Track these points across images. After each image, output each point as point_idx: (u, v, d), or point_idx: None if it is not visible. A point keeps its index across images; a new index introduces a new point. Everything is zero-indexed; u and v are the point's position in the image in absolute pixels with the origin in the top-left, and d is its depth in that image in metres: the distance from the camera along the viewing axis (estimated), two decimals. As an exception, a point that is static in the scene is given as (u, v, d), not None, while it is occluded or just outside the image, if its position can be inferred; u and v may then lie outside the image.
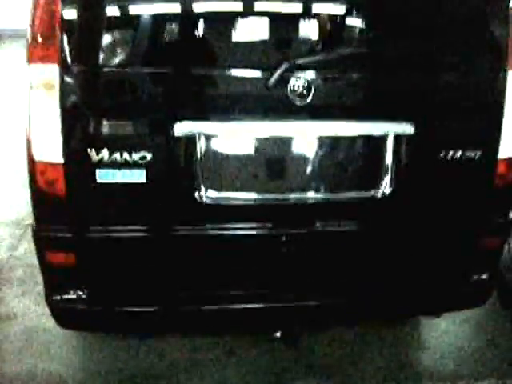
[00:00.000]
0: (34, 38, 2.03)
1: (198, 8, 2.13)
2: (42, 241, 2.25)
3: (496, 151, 2.37)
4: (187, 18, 2.16)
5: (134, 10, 2.12)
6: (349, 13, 2.27)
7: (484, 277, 2.59)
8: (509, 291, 3.38)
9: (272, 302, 2.39)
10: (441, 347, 3.08)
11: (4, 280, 3.49)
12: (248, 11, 2.18)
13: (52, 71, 2.03)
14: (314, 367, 2.82)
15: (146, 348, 2.89)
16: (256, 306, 2.38)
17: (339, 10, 2.28)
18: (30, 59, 2.03)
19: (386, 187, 2.32)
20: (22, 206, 4.49)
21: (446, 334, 3.18)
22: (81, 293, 2.28)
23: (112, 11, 2.11)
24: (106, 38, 2.12)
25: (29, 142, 2.12)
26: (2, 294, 3.34)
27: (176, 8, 2.15)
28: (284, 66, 2.09)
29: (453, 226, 2.45)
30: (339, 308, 2.49)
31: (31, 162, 2.13)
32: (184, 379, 2.72)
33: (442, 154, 2.31)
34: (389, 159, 2.30)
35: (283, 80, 2.11)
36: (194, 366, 2.79)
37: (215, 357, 2.85)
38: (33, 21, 2.03)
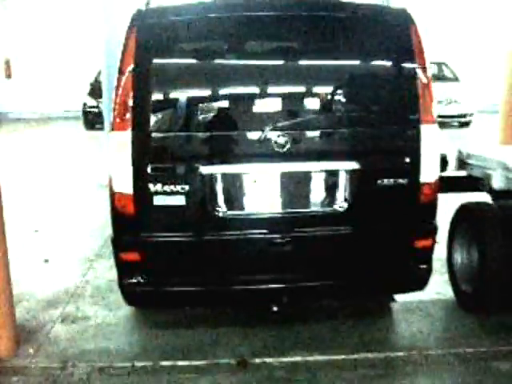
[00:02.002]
0: (115, 116, 3.31)
1: (214, 98, 3.46)
2: (118, 245, 3.47)
3: (418, 178, 3.53)
4: (212, 102, 3.47)
5: (170, 100, 3.45)
6: (310, 95, 3.56)
7: (422, 267, 3.69)
8: (465, 297, 4.40)
9: (270, 283, 3.53)
10: (400, 327, 4.14)
11: (79, 295, 4.68)
12: (248, 100, 3.48)
13: (126, 136, 3.31)
14: (300, 339, 3.90)
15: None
16: (260, 286, 3.53)
17: (305, 94, 3.58)
18: (114, 128, 3.31)
19: (342, 204, 3.49)
20: (87, 249, 5.76)
21: (404, 320, 4.23)
22: (142, 279, 3.47)
23: (158, 99, 3.42)
24: (156, 116, 3.41)
25: (111, 180, 3.37)
26: (79, 304, 4.52)
27: (199, 97, 3.46)
28: (268, 129, 3.33)
29: (393, 231, 3.59)
30: (316, 289, 3.62)
31: (112, 192, 3.38)
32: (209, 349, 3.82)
33: (379, 181, 3.48)
34: (342, 185, 3.48)
35: (269, 137, 3.35)
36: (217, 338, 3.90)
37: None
38: (114, 108, 3.32)
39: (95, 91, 14.59)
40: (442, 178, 4.90)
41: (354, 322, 4.18)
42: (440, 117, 14.92)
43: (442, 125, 14.59)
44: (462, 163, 5.18)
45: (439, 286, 4.71)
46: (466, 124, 15.02)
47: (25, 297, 4.58)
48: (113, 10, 8.03)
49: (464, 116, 14.95)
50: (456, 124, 15.05)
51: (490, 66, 17.16)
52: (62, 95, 17.54)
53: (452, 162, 5.13)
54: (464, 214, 4.49)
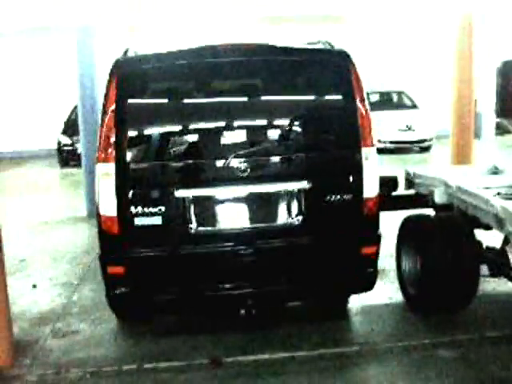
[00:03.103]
0: (100, 150, 3.87)
1: (184, 131, 4.08)
2: (105, 260, 3.99)
3: (361, 194, 4.14)
4: (183, 136, 4.06)
5: (146, 135, 4.04)
6: (268, 127, 4.20)
7: (369, 271, 4.27)
8: (411, 299, 4.99)
9: (238, 289, 4.08)
10: (356, 327, 4.72)
11: (67, 314, 5.15)
12: (212, 133, 4.10)
13: (110, 167, 3.86)
14: (268, 340, 4.43)
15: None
16: (230, 292, 4.08)
17: (263, 126, 4.21)
18: (99, 160, 3.86)
19: (297, 218, 4.08)
20: (71, 274, 6.24)
21: (360, 321, 4.81)
22: (126, 290, 3.98)
23: (136, 134, 4.00)
24: (135, 148, 3.98)
25: (97, 205, 3.91)
26: (67, 321, 4.99)
27: (171, 131, 4.06)
28: (231, 157, 3.92)
29: (343, 240, 4.18)
30: (278, 293, 4.18)
31: (98, 215, 3.91)
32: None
33: (328, 197, 4.08)
34: (297, 202, 4.07)
35: (232, 164, 3.94)
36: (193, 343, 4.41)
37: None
38: (99, 142, 3.88)
39: (69, 129, 15.06)
40: (394, 197, 5.58)
41: (316, 324, 4.73)
42: (400, 143, 15.68)
43: (403, 150, 15.33)
44: (409, 183, 5.84)
45: (391, 293, 5.31)
46: (426, 149, 15.78)
47: (17, 317, 5.01)
48: (86, 53, 8.51)
49: (423, 141, 15.73)
50: (417, 149, 15.85)
51: (447, 92, 18.12)
52: (35, 134, 17.97)
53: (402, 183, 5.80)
54: (407, 226, 5.12)
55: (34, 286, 5.88)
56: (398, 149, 15.43)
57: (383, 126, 15.52)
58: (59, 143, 15.28)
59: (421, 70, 18.59)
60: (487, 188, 5.17)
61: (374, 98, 17.37)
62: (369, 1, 15.28)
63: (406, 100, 17.18)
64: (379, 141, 15.52)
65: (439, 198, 5.20)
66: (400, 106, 17.09)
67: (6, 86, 18.07)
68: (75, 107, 12.14)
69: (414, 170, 5.82)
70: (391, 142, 15.52)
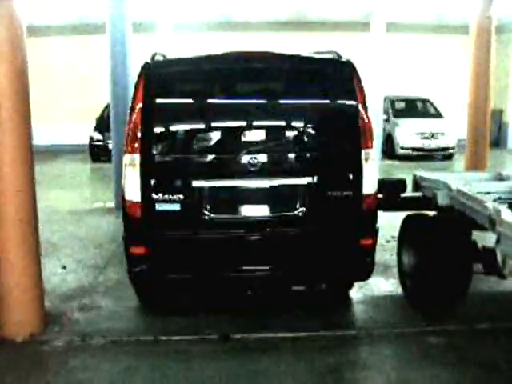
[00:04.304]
0: (127, 143, 4.36)
1: (201, 129, 4.56)
2: (128, 241, 4.48)
3: (361, 191, 4.55)
4: (201, 133, 4.54)
5: (169, 131, 4.52)
6: (279, 128, 4.67)
7: (366, 260, 4.68)
8: (408, 291, 5.37)
9: (246, 272, 4.53)
10: (355, 314, 5.13)
11: (93, 292, 5.66)
12: (228, 131, 4.57)
13: (135, 158, 4.35)
14: (273, 321, 4.87)
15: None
16: (239, 274, 4.53)
17: (274, 127, 4.66)
18: (126, 152, 4.36)
19: (302, 209, 4.51)
20: (98, 258, 6.76)
21: (359, 309, 5.21)
22: (146, 268, 4.46)
23: (160, 130, 4.47)
24: (158, 142, 4.46)
25: (123, 191, 4.40)
26: (93, 298, 5.49)
27: (191, 128, 4.54)
28: (243, 153, 4.38)
29: (343, 232, 4.60)
30: (284, 276, 4.62)
31: (124, 200, 4.41)
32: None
33: (330, 192, 4.51)
34: (302, 195, 4.50)
35: (244, 160, 4.39)
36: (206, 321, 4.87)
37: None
38: (127, 136, 4.37)
39: (101, 126, 15.69)
40: (402, 199, 5.95)
41: (318, 310, 5.15)
42: (424, 150, 15.95)
43: (426, 158, 15.60)
44: (417, 185, 6.21)
45: (392, 287, 5.69)
46: (449, 157, 16.05)
47: (49, 293, 5.52)
48: (118, 51, 8.90)
49: (446, 149, 16.00)
50: (440, 157, 16.12)
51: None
52: (70, 129, 18.74)
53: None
54: (407, 223, 5.50)
55: (64, 268, 6.41)
56: (422, 156, 15.74)
57: (407, 133, 15.86)
58: (91, 139, 15.92)
59: (446, 80, 18.81)
60: (488, 193, 5.52)
61: (400, 105, 17.67)
62: (396, 9, 15.64)
63: (431, 108, 17.41)
64: (402, 147, 15.88)
65: (442, 200, 5.55)
66: (425, 114, 17.34)
67: (45, 83, 18.84)
68: (107, 105, 12.68)
69: (421, 173, 6.18)
70: (414, 149, 15.83)
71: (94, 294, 5.59)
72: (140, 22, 13.19)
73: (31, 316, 4.67)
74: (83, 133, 16.63)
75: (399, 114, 17.06)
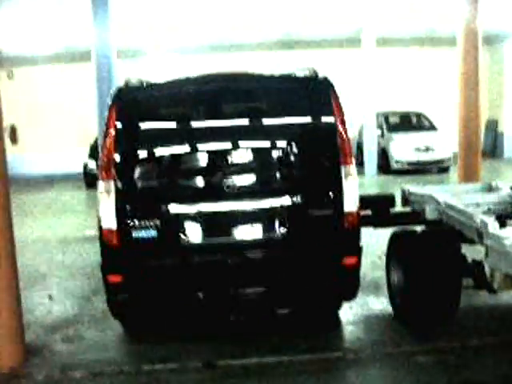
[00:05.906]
0: (101, 170, 4.30)
1: (175, 153, 4.46)
2: (105, 269, 4.39)
3: (342, 208, 4.46)
4: (176, 158, 4.47)
5: (142, 156, 4.46)
6: (255, 148, 4.58)
7: (350, 280, 4.58)
8: (397, 308, 5.26)
9: (225, 297, 4.44)
10: (343, 335, 5.01)
11: (77, 322, 5.55)
12: (201, 154, 4.51)
13: (110, 184, 4.28)
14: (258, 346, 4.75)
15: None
16: (218, 299, 4.44)
17: (250, 148, 4.56)
18: (101, 178, 4.29)
19: (281, 230, 4.43)
20: (85, 287, 6.66)
21: (348, 330, 5.09)
22: (125, 296, 4.37)
23: (134, 156, 4.41)
24: (134, 168, 4.40)
25: (99, 219, 4.32)
26: (77, 329, 5.38)
27: (168, 151, 4.45)
28: (220, 175, 4.31)
29: (325, 251, 4.50)
30: (266, 299, 4.51)
31: (100, 228, 4.33)
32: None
33: (311, 212, 4.43)
34: (281, 215, 4.42)
35: (222, 182, 4.32)
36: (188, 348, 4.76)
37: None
38: (101, 163, 4.31)
39: (95, 153, 15.66)
40: (391, 214, 5.86)
41: (305, 332, 5.04)
42: (419, 164, 15.84)
43: (422, 171, 15.48)
44: (405, 200, 6.13)
45: (382, 305, 5.58)
46: (445, 169, 15.91)
47: (32, 324, 5.43)
48: (104, 79, 8.96)
49: (442, 162, 15.87)
50: (435, 170, 16.01)
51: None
52: (65, 157, 18.75)
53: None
54: (394, 240, 5.41)
55: (50, 297, 6.31)
56: (417, 169, 15.65)
57: (402, 147, 15.79)
58: (85, 166, 15.91)
59: (439, 92, 18.79)
60: (478, 204, 5.44)
61: (393, 120, 17.65)
62: (386, 23, 15.69)
63: (425, 122, 17.37)
64: (397, 162, 15.80)
65: (430, 214, 5.46)
66: (419, 127, 17.30)
67: (37, 115, 18.91)
68: (99, 131, 12.66)
69: (409, 187, 6.11)
70: (409, 164, 15.75)
71: (78, 325, 5.48)
72: (128, 48, 13.27)
73: (11, 349, 4.58)
74: (79, 160, 16.64)
75: (393, 128, 17.03)
